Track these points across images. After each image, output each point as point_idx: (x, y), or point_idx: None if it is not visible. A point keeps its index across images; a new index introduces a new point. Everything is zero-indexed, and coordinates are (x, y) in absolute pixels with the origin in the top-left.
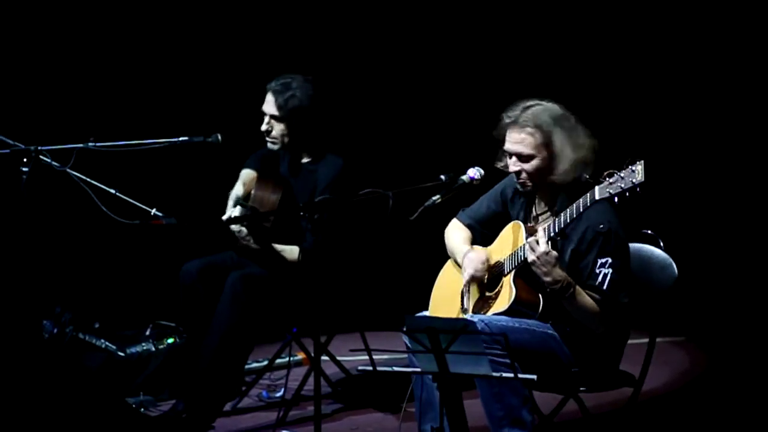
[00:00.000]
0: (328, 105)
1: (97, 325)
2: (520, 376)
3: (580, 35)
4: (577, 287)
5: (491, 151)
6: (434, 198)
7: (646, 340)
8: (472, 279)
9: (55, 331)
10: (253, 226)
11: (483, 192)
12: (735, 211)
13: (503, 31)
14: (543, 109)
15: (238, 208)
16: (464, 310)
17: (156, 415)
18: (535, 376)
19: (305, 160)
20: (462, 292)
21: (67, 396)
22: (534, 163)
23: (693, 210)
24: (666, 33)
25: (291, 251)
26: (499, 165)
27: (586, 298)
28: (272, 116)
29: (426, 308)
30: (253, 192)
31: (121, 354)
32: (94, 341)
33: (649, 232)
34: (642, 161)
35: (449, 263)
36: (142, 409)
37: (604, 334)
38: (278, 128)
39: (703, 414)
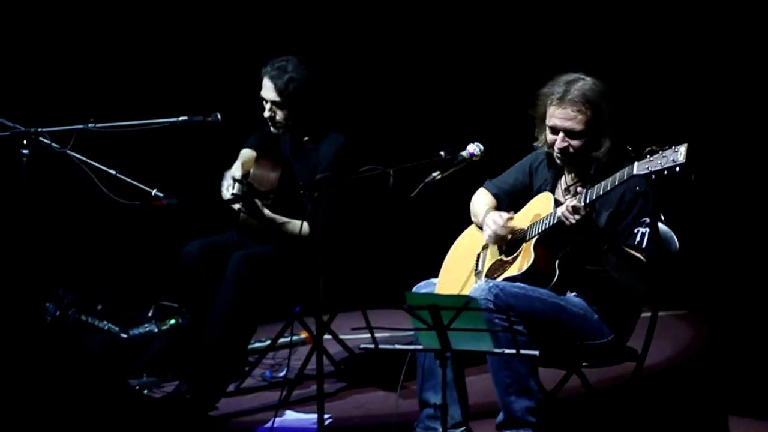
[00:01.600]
0: (326, 83)
1: (99, 307)
2: (522, 352)
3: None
4: (616, 245)
5: (491, 127)
6: (434, 174)
7: (649, 314)
8: (494, 235)
9: (58, 313)
10: (251, 204)
11: (483, 168)
12: (737, 183)
13: (506, 5)
14: (589, 84)
15: (237, 185)
16: (477, 273)
17: (159, 396)
18: (537, 352)
19: (306, 138)
20: (478, 255)
21: (70, 378)
22: (584, 139)
23: (694, 182)
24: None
25: (293, 225)
26: (538, 143)
27: (627, 254)
28: (273, 102)
29: (436, 276)
30: (252, 170)
31: (124, 335)
32: (96, 323)
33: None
34: (686, 144)
35: (471, 227)
36: (146, 391)
37: (623, 306)
38: (281, 114)
39: (705, 387)
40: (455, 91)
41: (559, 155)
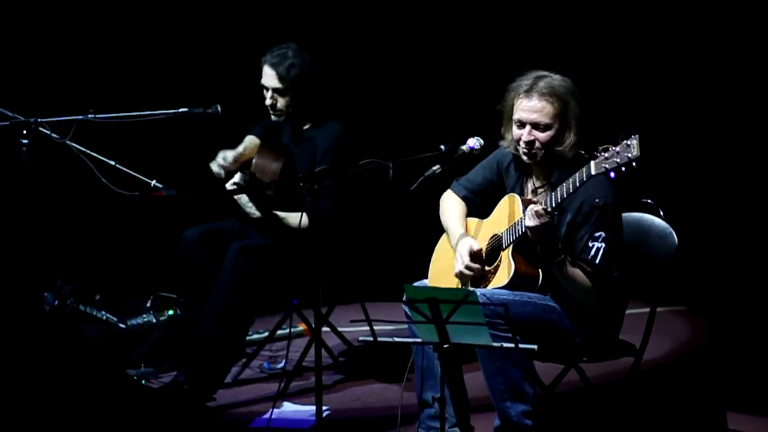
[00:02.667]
0: (326, 70)
1: (97, 297)
2: (521, 345)
3: (574, 10)
4: (569, 259)
5: (491, 122)
6: (434, 168)
7: (647, 309)
8: (461, 275)
9: (56, 303)
10: (254, 194)
11: (481, 160)
12: (735, 179)
13: (503, 2)
14: (558, 80)
15: (239, 175)
16: (464, 284)
17: (157, 386)
18: (535, 346)
19: (306, 126)
20: None
21: (68, 368)
22: (549, 133)
23: (693, 179)
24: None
25: (293, 218)
26: (505, 143)
27: (577, 271)
28: (275, 89)
29: (426, 277)
30: (254, 160)
31: (122, 326)
32: (94, 313)
33: (649, 201)
34: (637, 136)
35: (445, 237)
36: (143, 381)
37: (600, 306)
38: (282, 101)
39: (704, 383)
40: (456, 85)
41: (525, 150)
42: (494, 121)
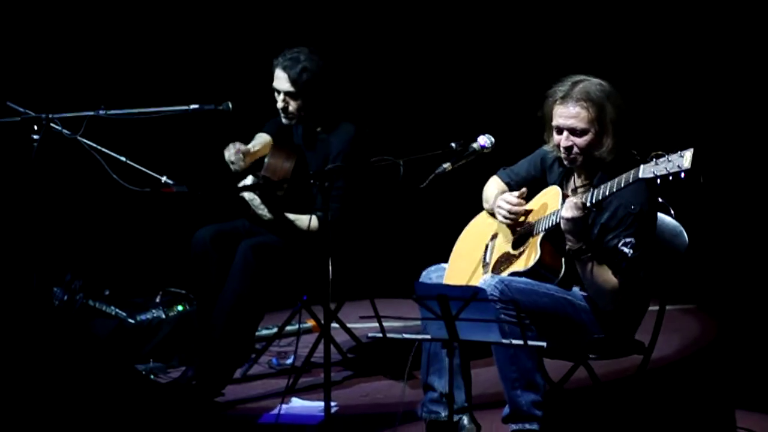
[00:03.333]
0: (339, 74)
1: (107, 292)
2: (530, 343)
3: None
4: (595, 259)
5: (502, 120)
6: (444, 166)
7: (657, 307)
8: (508, 214)
9: (66, 298)
10: (266, 194)
11: (493, 160)
12: (746, 178)
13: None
14: (594, 84)
15: (251, 177)
16: (485, 264)
17: (166, 382)
18: (544, 343)
19: (318, 129)
20: (486, 245)
21: (77, 363)
22: (587, 138)
23: (704, 177)
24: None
25: (303, 221)
26: (548, 147)
27: (599, 272)
28: (287, 93)
29: (444, 263)
30: (267, 160)
31: (131, 321)
32: (104, 308)
33: (660, 200)
34: (692, 149)
35: (482, 214)
36: (152, 376)
37: (616, 310)
38: (294, 104)
39: (712, 382)
40: (467, 83)
41: (564, 155)
42: (504, 119)
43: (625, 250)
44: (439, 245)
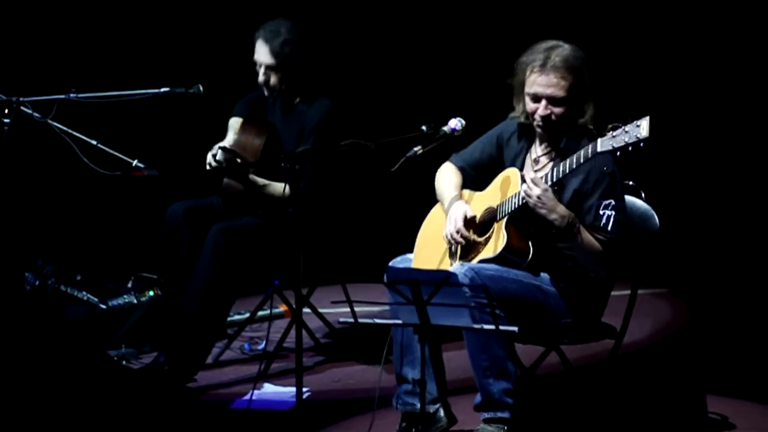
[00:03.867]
0: (319, 46)
1: (78, 278)
2: (501, 328)
3: None
4: (581, 227)
5: (472, 103)
6: (415, 149)
7: (628, 291)
8: (451, 239)
9: (37, 283)
10: (232, 171)
11: (464, 142)
12: (717, 160)
13: None
14: (569, 50)
15: (219, 153)
16: (452, 254)
17: (138, 367)
18: (516, 328)
19: (297, 101)
20: None
21: (49, 348)
22: (566, 106)
23: (675, 160)
24: None
25: (274, 187)
26: (515, 113)
27: (590, 238)
28: (267, 66)
29: (409, 253)
30: (236, 136)
31: (103, 306)
32: (75, 293)
33: (631, 183)
34: (647, 117)
35: (438, 206)
36: (124, 362)
37: (611, 275)
38: (275, 77)
39: (684, 366)
40: (437, 66)
41: (540, 124)
42: (476, 102)
43: (608, 212)
44: (411, 229)
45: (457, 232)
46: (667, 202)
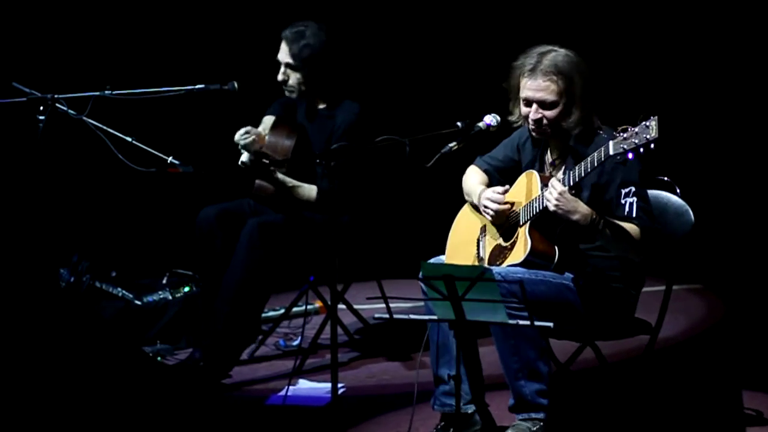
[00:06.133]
0: (343, 51)
1: (113, 274)
2: (536, 323)
3: None
4: (607, 218)
5: (505, 100)
6: (450, 145)
7: (663, 287)
8: (495, 214)
9: (72, 279)
10: (262, 169)
11: (499, 139)
12: (751, 157)
13: None
14: (561, 55)
15: (246, 154)
16: (480, 260)
17: (173, 363)
18: (551, 324)
19: (322, 106)
20: (477, 239)
21: (84, 345)
22: (557, 110)
23: (710, 156)
24: None
25: (308, 189)
26: (513, 118)
27: (619, 227)
28: (287, 65)
29: (443, 253)
30: (267, 137)
31: (138, 302)
32: (110, 290)
33: (666, 178)
34: (656, 117)
35: (465, 208)
36: (159, 358)
37: (645, 260)
38: (294, 77)
39: (719, 362)
40: (473, 62)
41: (533, 127)
42: (506, 102)
43: (629, 200)
44: (446, 225)
45: (497, 203)
46: (702, 197)
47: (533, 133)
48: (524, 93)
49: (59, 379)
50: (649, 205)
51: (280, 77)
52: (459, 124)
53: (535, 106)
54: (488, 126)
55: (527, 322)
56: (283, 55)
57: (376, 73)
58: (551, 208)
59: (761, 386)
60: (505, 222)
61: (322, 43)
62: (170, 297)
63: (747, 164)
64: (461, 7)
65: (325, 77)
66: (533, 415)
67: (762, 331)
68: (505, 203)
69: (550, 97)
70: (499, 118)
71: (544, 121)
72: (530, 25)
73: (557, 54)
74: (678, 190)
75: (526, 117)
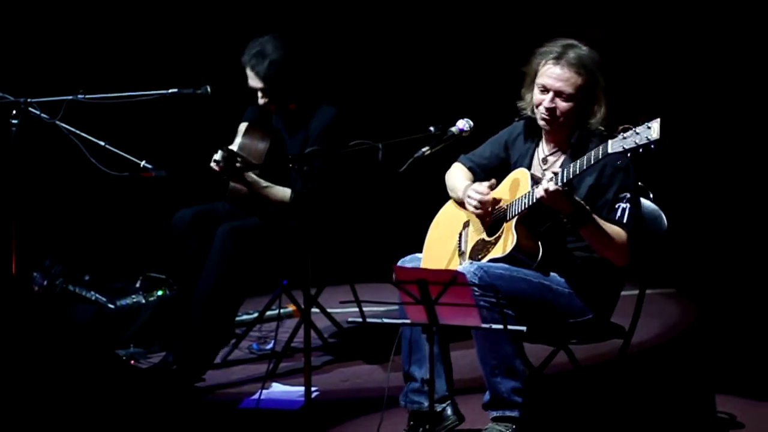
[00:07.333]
0: (310, 54)
1: (87, 278)
2: (509, 327)
3: None
4: (597, 217)
5: (480, 104)
6: (423, 149)
7: (636, 291)
8: (480, 205)
9: (45, 283)
10: (232, 166)
11: (472, 144)
12: (725, 161)
13: None
14: (587, 52)
15: (219, 152)
16: (461, 253)
17: (146, 367)
18: (524, 328)
19: (296, 109)
20: (459, 233)
21: (57, 348)
22: (571, 103)
23: (683, 161)
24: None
25: (282, 191)
26: (523, 104)
27: (608, 227)
28: (261, 89)
29: (418, 253)
30: (241, 140)
31: (111, 306)
32: (84, 293)
33: (639, 183)
34: (659, 119)
35: (449, 203)
36: (132, 362)
37: (600, 283)
38: (273, 97)
39: (692, 366)
40: (445, 66)
41: (544, 116)
42: (483, 103)
43: (623, 205)
44: (419, 229)
45: (481, 194)
46: (675, 202)
47: (541, 122)
48: (543, 79)
49: (32, 383)
50: (641, 212)
51: (261, 102)
52: (432, 128)
53: (551, 94)
54: (461, 131)
55: (500, 327)
56: (254, 81)
57: (351, 77)
58: (540, 194)
59: (734, 390)
60: (490, 217)
61: (284, 54)
62: (143, 300)
63: (719, 169)
64: (436, 12)
65: (297, 85)
66: (507, 413)
67: (734, 335)
68: (490, 197)
69: (569, 89)
70: (472, 123)
71: (557, 112)
72: (505, 30)
73: (582, 50)
74: (651, 195)
75: (538, 104)
